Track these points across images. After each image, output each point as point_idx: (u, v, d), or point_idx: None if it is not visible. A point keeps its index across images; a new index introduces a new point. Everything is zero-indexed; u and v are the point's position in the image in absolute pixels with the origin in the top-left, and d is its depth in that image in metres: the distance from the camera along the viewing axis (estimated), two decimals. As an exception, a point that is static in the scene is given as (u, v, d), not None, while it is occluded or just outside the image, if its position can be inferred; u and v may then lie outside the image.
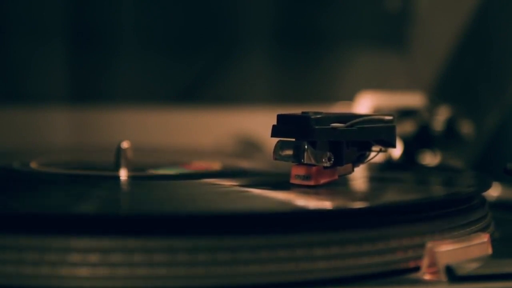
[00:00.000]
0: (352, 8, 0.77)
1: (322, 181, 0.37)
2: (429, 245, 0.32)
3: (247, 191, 0.37)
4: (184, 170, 0.46)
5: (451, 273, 0.31)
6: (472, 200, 0.38)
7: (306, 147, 0.36)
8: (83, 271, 0.28)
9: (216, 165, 0.48)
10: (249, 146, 0.69)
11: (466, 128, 0.57)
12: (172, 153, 0.59)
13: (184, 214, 0.30)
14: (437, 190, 0.43)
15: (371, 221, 0.32)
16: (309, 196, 0.35)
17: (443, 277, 0.31)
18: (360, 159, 0.39)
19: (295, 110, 0.38)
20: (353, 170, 0.39)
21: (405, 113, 0.58)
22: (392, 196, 0.39)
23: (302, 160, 0.36)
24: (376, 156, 0.39)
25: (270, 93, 0.75)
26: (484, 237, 0.34)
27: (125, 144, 0.44)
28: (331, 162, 0.37)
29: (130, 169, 0.43)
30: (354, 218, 0.32)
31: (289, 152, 0.36)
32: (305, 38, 0.77)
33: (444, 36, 0.72)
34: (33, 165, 0.47)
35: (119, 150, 0.43)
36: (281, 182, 0.38)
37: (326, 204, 0.34)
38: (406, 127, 0.57)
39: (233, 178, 0.42)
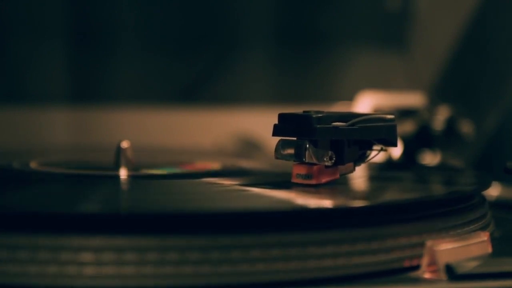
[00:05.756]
0: (352, 8, 0.77)
1: (324, 180, 0.37)
2: (429, 243, 0.32)
3: (248, 190, 0.37)
4: (178, 170, 0.46)
5: (451, 272, 0.31)
6: (472, 199, 0.38)
7: (307, 146, 0.36)
8: (86, 271, 0.28)
9: (216, 165, 0.48)
10: (249, 146, 0.70)
11: (466, 128, 0.57)
12: (172, 153, 0.60)
13: (199, 213, 0.30)
14: (437, 189, 0.43)
15: (371, 220, 0.32)
16: (310, 195, 0.35)
17: (443, 275, 0.31)
18: (361, 158, 0.39)
19: (296, 110, 0.38)
20: (354, 169, 0.39)
21: (405, 113, 0.58)
22: (392, 195, 0.39)
23: (304, 159, 0.36)
24: (377, 155, 0.39)
25: (270, 93, 0.76)
26: (484, 236, 0.34)
27: (125, 144, 0.44)
28: (333, 161, 0.37)
29: (130, 168, 0.43)
30: (355, 217, 0.32)
31: (291, 151, 0.36)
32: (305, 38, 0.77)
33: (444, 36, 0.72)
34: (33, 165, 0.47)
35: (119, 150, 0.44)
36: (282, 182, 0.38)
37: (327, 203, 0.34)
38: (406, 127, 0.57)
39: (234, 178, 0.42)
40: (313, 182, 0.36)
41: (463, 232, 0.35)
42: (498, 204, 0.48)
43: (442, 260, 0.31)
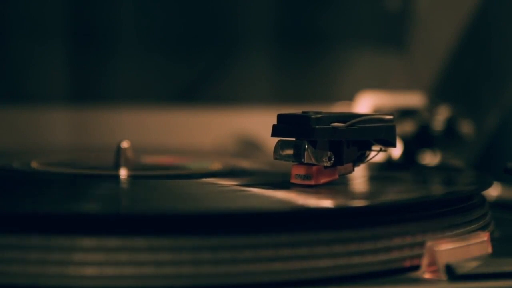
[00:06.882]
0: (352, 8, 0.77)
1: (323, 180, 0.37)
2: (429, 244, 0.32)
3: (246, 190, 0.37)
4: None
5: (451, 272, 0.31)
6: (472, 199, 0.38)
7: (306, 146, 0.36)
8: (87, 271, 0.28)
9: (216, 165, 0.48)
10: (249, 146, 0.70)
11: (466, 128, 0.57)
12: (171, 153, 0.59)
13: (189, 213, 0.30)
14: (437, 189, 0.43)
15: (371, 220, 0.32)
16: (309, 195, 0.35)
17: (443, 276, 0.31)
18: (360, 158, 0.39)
19: (295, 110, 0.38)
20: (353, 170, 0.39)
21: (405, 113, 0.58)
22: (392, 195, 0.39)
23: (303, 160, 0.36)
24: (376, 155, 0.39)
25: (270, 93, 0.76)
26: (484, 236, 0.34)
27: (125, 144, 0.44)
28: (332, 161, 0.37)
29: (130, 168, 0.43)
30: (354, 217, 0.32)
31: (290, 151, 0.36)
32: (305, 38, 0.77)
33: (444, 36, 0.72)
34: (33, 165, 0.47)
35: (119, 150, 0.44)
36: (281, 182, 0.38)
37: (326, 203, 0.34)
38: (406, 127, 0.57)
39: (233, 178, 0.42)
40: (312, 182, 0.36)
41: (463, 232, 0.35)
42: (498, 204, 0.48)
43: (442, 260, 0.31)
